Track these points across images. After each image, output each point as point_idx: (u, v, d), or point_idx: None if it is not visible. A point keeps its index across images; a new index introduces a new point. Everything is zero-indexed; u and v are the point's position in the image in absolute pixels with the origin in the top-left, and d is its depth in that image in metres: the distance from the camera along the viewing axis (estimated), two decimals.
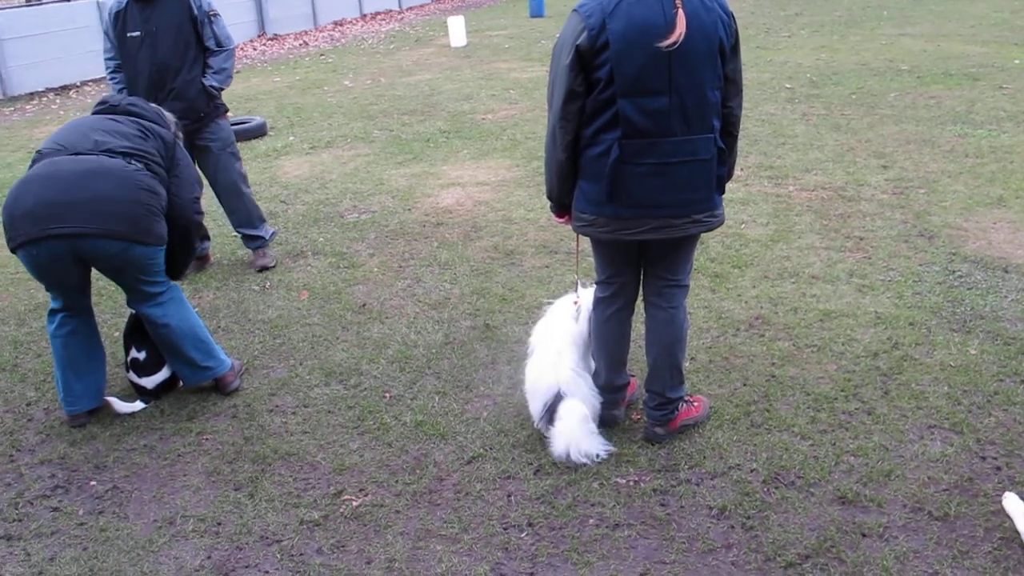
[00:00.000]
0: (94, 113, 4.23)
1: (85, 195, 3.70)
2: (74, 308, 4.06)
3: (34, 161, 3.92)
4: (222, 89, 5.57)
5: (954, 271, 4.99)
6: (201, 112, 5.46)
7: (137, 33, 5.28)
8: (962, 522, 3.09)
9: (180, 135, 4.55)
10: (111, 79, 5.56)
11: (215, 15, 5.52)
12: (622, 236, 3.35)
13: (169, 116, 4.42)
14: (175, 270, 4.19)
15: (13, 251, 3.81)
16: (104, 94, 5.10)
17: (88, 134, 3.93)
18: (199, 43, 5.44)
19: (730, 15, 3.21)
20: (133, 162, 3.86)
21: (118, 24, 5.34)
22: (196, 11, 5.38)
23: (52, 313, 4.06)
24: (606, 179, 3.23)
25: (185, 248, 4.22)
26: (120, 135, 3.96)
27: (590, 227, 3.40)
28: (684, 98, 3.14)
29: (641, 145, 3.18)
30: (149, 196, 3.82)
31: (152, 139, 4.03)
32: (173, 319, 4.08)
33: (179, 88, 5.34)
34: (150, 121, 4.17)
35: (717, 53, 3.16)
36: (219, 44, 5.52)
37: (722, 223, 3.44)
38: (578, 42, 3.12)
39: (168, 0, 5.31)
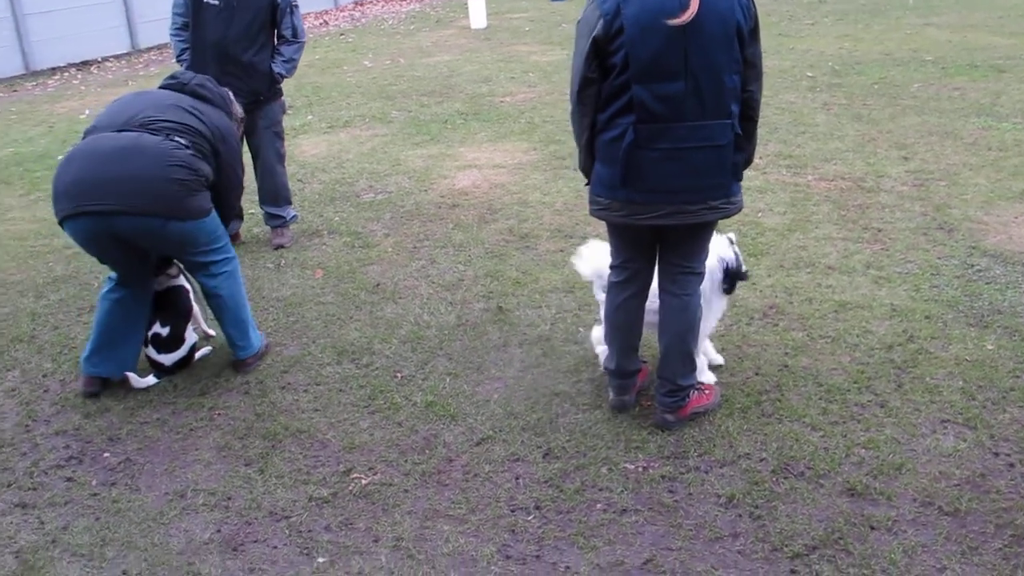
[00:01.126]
0: (161, 87, 4.23)
1: (117, 174, 3.73)
2: (127, 281, 4.09)
3: (85, 135, 3.96)
4: (286, 77, 5.62)
5: (973, 265, 4.95)
6: (261, 95, 5.53)
7: (216, 2, 5.30)
8: (972, 518, 3.07)
9: (242, 124, 4.60)
10: (174, 35, 5.58)
11: (296, 5, 5.59)
12: (636, 221, 3.36)
13: (237, 107, 4.43)
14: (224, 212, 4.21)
15: (60, 225, 3.89)
16: (172, 69, 5.04)
17: (137, 110, 3.94)
18: (272, 28, 5.48)
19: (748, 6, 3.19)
20: (175, 138, 3.84)
21: None
22: None
23: (108, 279, 4.13)
24: (620, 163, 3.23)
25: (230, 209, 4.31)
26: (170, 112, 3.94)
27: (605, 211, 3.40)
28: (700, 82, 3.14)
29: (655, 130, 3.18)
30: (184, 172, 3.80)
31: (206, 125, 3.99)
32: (225, 292, 4.13)
33: (243, 67, 5.37)
34: (214, 105, 4.16)
35: (734, 36, 3.15)
36: (295, 35, 5.60)
37: (739, 210, 3.42)
38: (594, 33, 3.14)
39: None
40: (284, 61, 5.56)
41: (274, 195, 5.85)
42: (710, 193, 3.29)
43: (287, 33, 5.55)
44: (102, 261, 4.09)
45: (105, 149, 3.80)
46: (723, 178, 3.30)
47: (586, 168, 3.48)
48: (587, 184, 3.51)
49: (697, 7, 3.06)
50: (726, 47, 3.14)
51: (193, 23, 5.40)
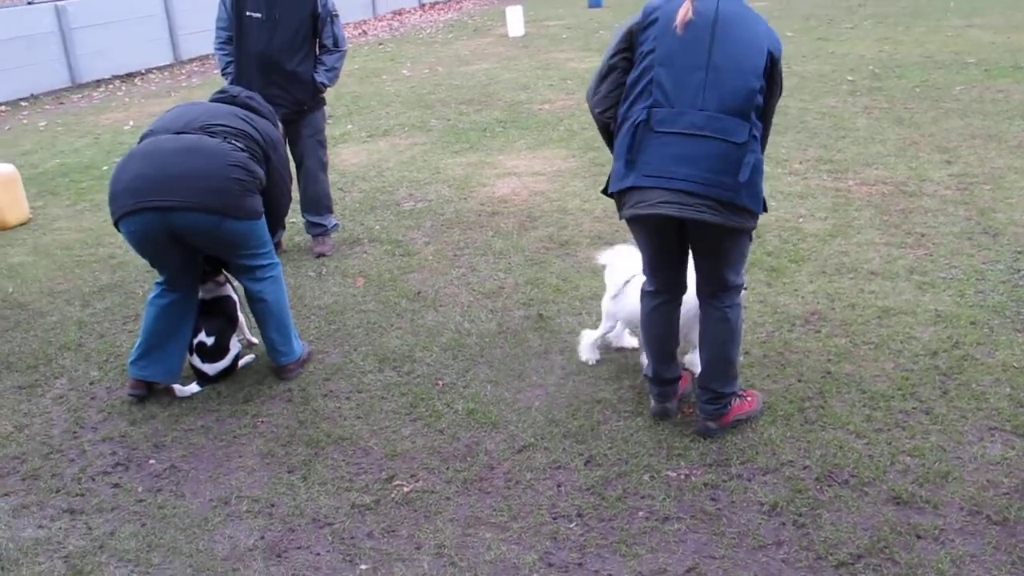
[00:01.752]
0: (212, 101, 4.35)
1: (179, 170, 3.82)
2: (175, 285, 4.15)
3: (141, 139, 4.05)
4: (328, 87, 5.69)
5: (1019, 270, 4.87)
6: (305, 105, 5.62)
7: (259, 15, 5.38)
8: (1022, 527, 3.02)
9: (284, 139, 4.71)
10: (219, 49, 5.67)
11: (336, 15, 5.67)
12: (640, 210, 3.29)
13: (279, 123, 4.52)
14: (274, 222, 4.35)
15: (116, 225, 3.95)
16: (219, 85, 5.20)
17: (194, 116, 4.06)
18: (314, 38, 5.56)
19: (778, 41, 3.31)
20: (232, 141, 3.96)
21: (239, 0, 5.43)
22: (321, 8, 5.51)
23: (156, 284, 4.19)
24: (628, 142, 3.28)
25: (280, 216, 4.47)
26: (225, 118, 4.07)
27: (621, 208, 3.43)
28: (720, 75, 3.18)
29: (670, 114, 3.22)
30: (242, 172, 3.90)
31: (259, 133, 4.11)
32: (270, 296, 4.20)
33: (287, 77, 5.46)
34: (263, 116, 4.28)
35: (764, 51, 3.21)
36: (336, 44, 5.67)
37: (750, 225, 3.32)
38: (631, 23, 3.31)
39: None
40: (326, 70, 5.63)
41: (316, 203, 5.91)
42: (713, 189, 3.19)
43: (328, 42, 5.62)
44: (153, 263, 4.14)
45: (166, 148, 3.90)
46: (732, 179, 3.19)
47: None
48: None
49: (690, 10, 3.21)
50: (753, 55, 3.20)
51: (237, 36, 5.48)
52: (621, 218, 3.47)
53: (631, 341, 4.17)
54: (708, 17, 3.21)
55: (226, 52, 5.60)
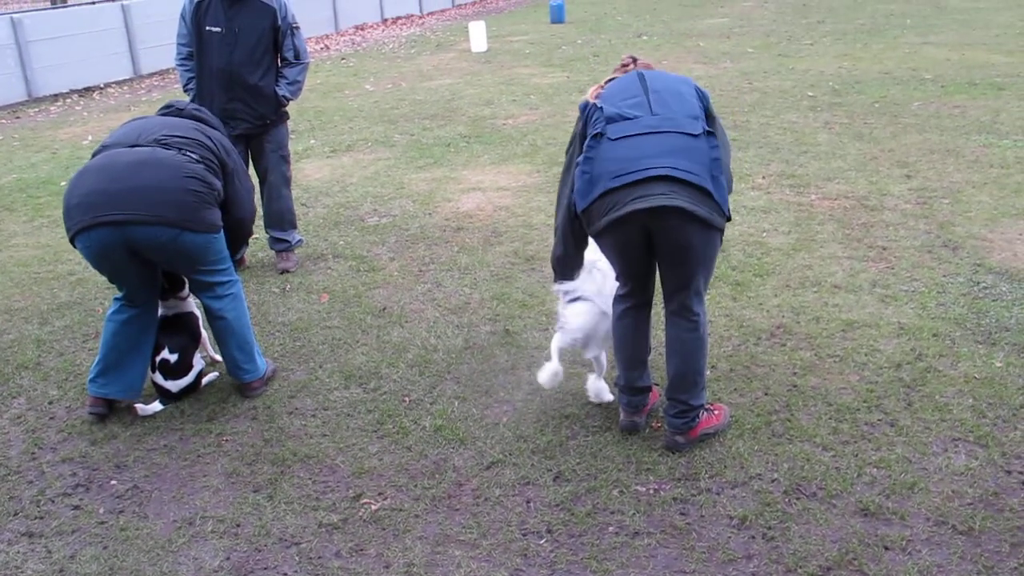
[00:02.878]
0: (160, 115, 4.29)
1: (135, 183, 3.77)
2: (135, 301, 4.09)
3: (95, 154, 3.99)
4: (291, 100, 5.64)
5: (979, 282, 4.94)
6: (268, 119, 5.56)
7: (218, 29, 5.33)
8: (987, 537, 3.05)
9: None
10: (180, 65, 5.60)
11: (297, 28, 5.61)
12: (613, 214, 3.28)
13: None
14: (233, 245, 4.31)
15: (71, 241, 3.88)
16: (173, 95, 5.20)
17: (148, 129, 4.02)
18: (275, 51, 5.51)
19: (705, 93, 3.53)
20: (187, 152, 3.91)
21: (198, 14, 5.38)
22: (280, 21, 5.46)
23: (115, 299, 4.12)
24: (585, 154, 3.37)
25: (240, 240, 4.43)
26: (179, 129, 4.03)
27: (591, 225, 3.42)
28: (662, 96, 3.41)
29: (624, 124, 3.35)
30: (199, 184, 3.86)
31: (214, 143, 4.08)
32: (230, 314, 4.15)
33: (249, 92, 5.41)
34: (212, 127, 4.25)
35: (695, 94, 3.45)
36: (297, 56, 5.61)
37: (720, 224, 3.32)
38: (577, 129, 3.53)
39: (256, 3, 5.36)
40: (288, 83, 5.59)
41: (280, 219, 5.86)
42: (676, 172, 3.21)
43: (289, 55, 5.58)
44: (112, 279, 4.08)
45: (120, 162, 3.84)
46: (699, 167, 3.24)
47: (563, 258, 3.70)
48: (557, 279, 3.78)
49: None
50: (689, 94, 3.44)
51: (197, 51, 5.43)
52: (593, 233, 3.45)
53: (609, 396, 4.04)
54: (635, 78, 3.50)
55: (187, 68, 5.54)
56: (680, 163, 3.24)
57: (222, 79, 5.38)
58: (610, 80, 3.61)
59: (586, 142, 3.39)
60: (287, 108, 5.73)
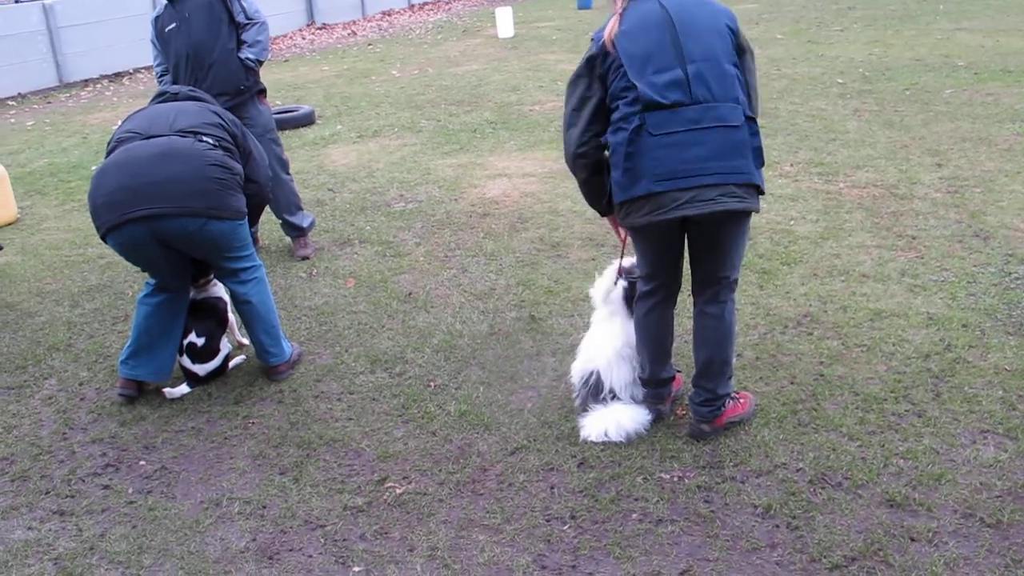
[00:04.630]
0: (155, 103, 4.30)
1: (158, 177, 3.79)
2: (166, 286, 4.14)
3: (111, 149, 4.01)
4: (260, 62, 5.63)
5: (1010, 273, 4.88)
6: (241, 86, 5.52)
7: (173, 25, 5.42)
8: (1015, 530, 3.02)
9: None
10: (161, 82, 5.64)
11: None
12: (656, 217, 3.26)
13: None
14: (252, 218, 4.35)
15: (103, 239, 3.92)
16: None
17: (161, 118, 4.03)
18: (231, 19, 5.52)
19: (732, 15, 3.36)
20: (204, 139, 3.94)
21: (158, 26, 5.50)
22: None
23: (148, 283, 4.17)
24: (625, 149, 3.23)
25: (262, 208, 4.49)
26: (192, 115, 4.06)
27: (628, 217, 3.37)
28: (698, 66, 3.20)
29: (664, 116, 3.20)
30: (220, 171, 3.89)
31: (224, 120, 4.12)
32: (256, 298, 4.18)
33: (217, 63, 5.42)
34: (209, 103, 4.28)
35: (725, 33, 3.27)
36: (249, 17, 5.59)
37: (757, 209, 3.33)
38: (587, 55, 3.33)
39: None
40: (249, 46, 5.56)
41: (287, 203, 5.86)
42: (729, 177, 3.20)
43: (240, 18, 5.53)
44: (145, 269, 4.13)
45: (140, 156, 3.86)
46: (742, 161, 3.22)
47: (596, 205, 3.57)
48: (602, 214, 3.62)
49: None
50: (720, 39, 3.25)
51: (164, 55, 5.51)
52: (628, 225, 3.42)
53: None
54: (660, 17, 3.25)
55: (166, 82, 5.58)
56: (727, 164, 3.20)
57: (188, 64, 5.41)
58: (625, 8, 3.34)
59: (623, 133, 3.24)
60: (260, 80, 5.71)
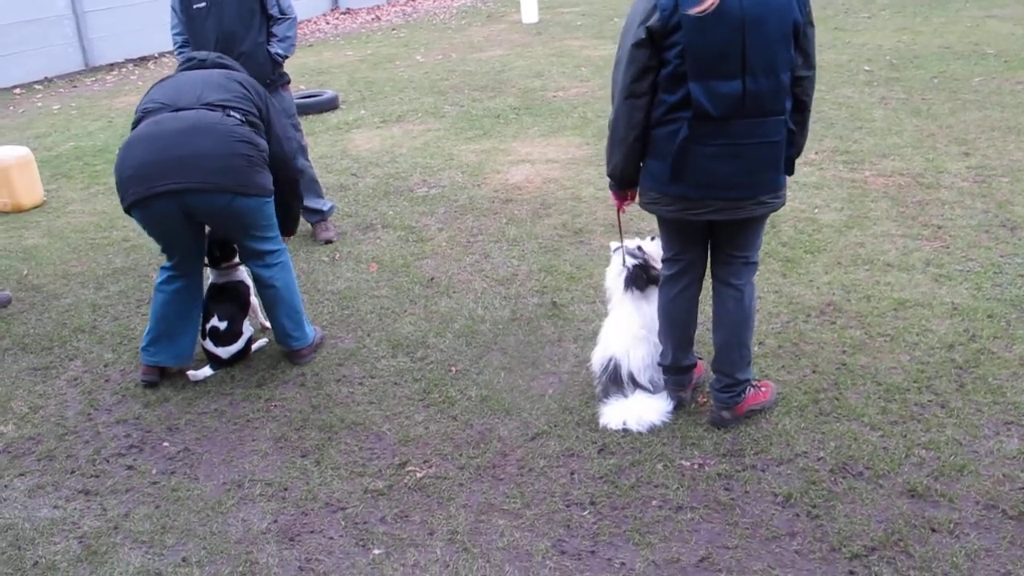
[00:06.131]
0: (183, 70, 4.28)
1: (187, 151, 3.79)
2: (184, 268, 4.15)
3: (138, 120, 4.01)
4: (286, 57, 5.65)
5: None
6: (267, 79, 5.53)
7: (203, 4, 5.36)
8: None
9: None
10: (179, 54, 5.62)
11: None
12: (687, 216, 3.35)
13: None
14: (288, 224, 4.36)
15: (127, 212, 3.93)
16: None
17: (188, 89, 4.01)
18: (263, 11, 5.51)
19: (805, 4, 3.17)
20: (232, 114, 3.93)
21: None
22: None
23: (163, 269, 4.17)
24: (673, 158, 3.22)
25: (294, 198, 4.40)
26: (219, 87, 4.03)
27: (655, 204, 3.40)
28: (758, 80, 3.11)
29: (713, 127, 3.16)
30: (248, 147, 3.89)
31: (249, 91, 4.10)
32: (280, 282, 4.19)
33: (245, 55, 5.41)
34: (237, 70, 4.26)
35: (791, 34, 3.13)
36: (282, 12, 5.59)
37: (783, 203, 3.40)
38: (649, 23, 3.10)
39: None
40: (279, 41, 5.57)
41: (307, 188, 5.86)
42: (761, 189, 3.28)
43: (274, 12, 5.55)
44: (165, 244, 4.12)
45: (170, 130, 3.86)
46: (775, 173, 3.30)
47: (622, 172, 3.42)
48: (615, 187, 3.52)
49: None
50: (784, 44, 3.13)
51: (190, 33, 5.48)
52: (654, 213, 3.45)
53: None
54: (736, 10, 3.04)
55: (184, 54, 5.56)
56: (762, 179, 3.26)
57: (217, 50, 5.37)
58: None
59: (667, 128, 3.20)
60: (286, 71, 5.72)
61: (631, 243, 3.91)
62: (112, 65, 13.82)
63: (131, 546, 3.18)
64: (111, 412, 4.04)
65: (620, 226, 3.82)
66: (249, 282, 4.47)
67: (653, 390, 3.75)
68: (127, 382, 4.27)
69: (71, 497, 3.47)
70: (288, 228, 4.42)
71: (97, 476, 3.59)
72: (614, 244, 3.95)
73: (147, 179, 3.80)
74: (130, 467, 3.64)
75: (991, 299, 4.47)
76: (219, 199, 3.85)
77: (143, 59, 14.29)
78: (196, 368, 4.24)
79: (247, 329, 4.37)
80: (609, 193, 3.65)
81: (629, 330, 3.77)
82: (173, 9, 5.56)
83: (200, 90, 4.00)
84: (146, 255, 5.78)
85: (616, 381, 3.74)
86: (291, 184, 4.32)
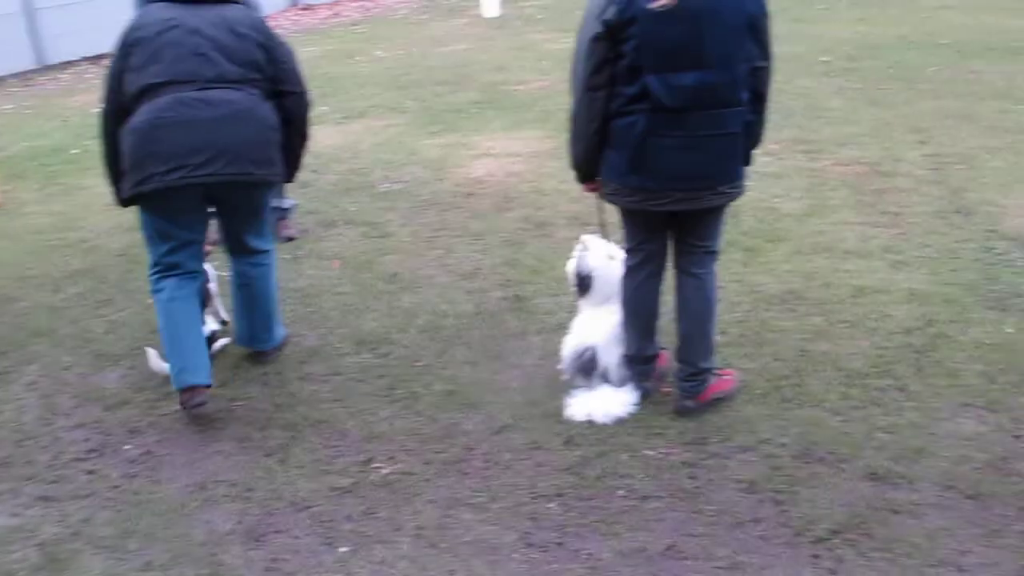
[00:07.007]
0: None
1: (224, 142, 3.59)
2: (181, 260, 3.84)
3: (143, 92, 3.61)
4: None
5: (991, 248, 4.91)
6: None
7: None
8: (994, 501, 3.06)
9: None
10: None
11: None
12: (647, 206, 3.37)
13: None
14: (291, 168, 4.07)
15: (139, 194, 3.63)
16: None
17: (199, 56, 3.62)
18: None
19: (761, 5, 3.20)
20: (251, 91, 3.70)
21: None
22: None
23: (157, 280, 3.85)
24: (631, 150, 3.25)
25: (303, 136, 4.07)
26: (232, 53, 3.67)
27: (615, 196, 3.43)
28: (715, 72, 3.13)
29: (669, 118, 3.19)
30: (275, 134, 3.81)
31: (257, 50, 3.75)
32: (257, 285, 4.10)
33: None
34: (231, 2, 3.84)
35: (747, 26, 3.15)
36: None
37: (743, 193, 3.43)
38: (605, 16, 3.13)
39: None
40: None
41: None
42: (720, 179, 3.32)
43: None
44: (175, 231, 3.78)
45: (205, 118, 3.58)
46: (734, 164, 3.34)
47: (585, 163, 3.44)
48: (580, 178, 3.55)
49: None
50: (741, 36, 3.15)
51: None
52: (615, 204, 3.48)
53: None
54: (692, 7, 3.05)
55: None
56: (721, 169, 3.31)
57: None
58: None
59: (626, 119, 3.22)
60: None
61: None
62: (67, 63, 13.61)
63: (92, 552, 3.14)
64: (70, 416, 3.98)
65: (601, 215, 3.83)
66: (212, 272, 4.39)
67: (620, 385, 3.75)
68: (86, 386, 4.21)
69: (29, 504, 3.42)
70: (291, 172, 4.11)
71: (56, 482, 3.54)
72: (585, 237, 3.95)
73: (179, 167, 3.53)
74: (90, 472, 3.59)
75: (947, 284, 4.54)
76: (252, 190, 3.83)
77: (99, 57, 14.08)
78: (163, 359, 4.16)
79: (208, 323, 4.28)
80: (577, 185, 3.65)
81: (612, 324, 3.78)
82: None
83: (213, 55, 3.62)
84: (104, 256, 5.70)
85: (587, 372, 3.75)
86: (300, 124, 4.02)
